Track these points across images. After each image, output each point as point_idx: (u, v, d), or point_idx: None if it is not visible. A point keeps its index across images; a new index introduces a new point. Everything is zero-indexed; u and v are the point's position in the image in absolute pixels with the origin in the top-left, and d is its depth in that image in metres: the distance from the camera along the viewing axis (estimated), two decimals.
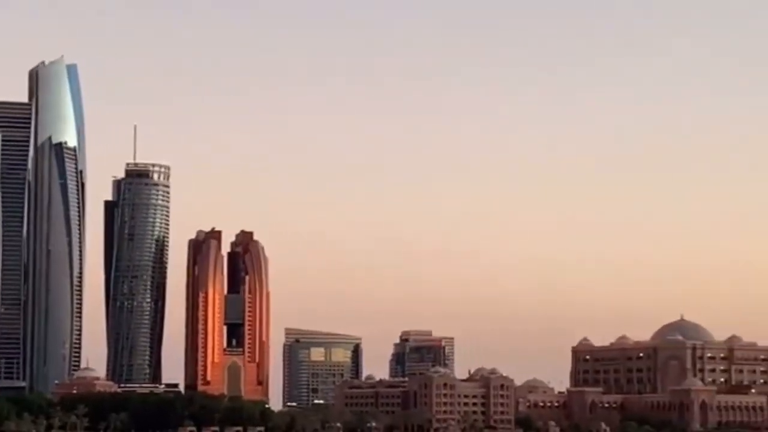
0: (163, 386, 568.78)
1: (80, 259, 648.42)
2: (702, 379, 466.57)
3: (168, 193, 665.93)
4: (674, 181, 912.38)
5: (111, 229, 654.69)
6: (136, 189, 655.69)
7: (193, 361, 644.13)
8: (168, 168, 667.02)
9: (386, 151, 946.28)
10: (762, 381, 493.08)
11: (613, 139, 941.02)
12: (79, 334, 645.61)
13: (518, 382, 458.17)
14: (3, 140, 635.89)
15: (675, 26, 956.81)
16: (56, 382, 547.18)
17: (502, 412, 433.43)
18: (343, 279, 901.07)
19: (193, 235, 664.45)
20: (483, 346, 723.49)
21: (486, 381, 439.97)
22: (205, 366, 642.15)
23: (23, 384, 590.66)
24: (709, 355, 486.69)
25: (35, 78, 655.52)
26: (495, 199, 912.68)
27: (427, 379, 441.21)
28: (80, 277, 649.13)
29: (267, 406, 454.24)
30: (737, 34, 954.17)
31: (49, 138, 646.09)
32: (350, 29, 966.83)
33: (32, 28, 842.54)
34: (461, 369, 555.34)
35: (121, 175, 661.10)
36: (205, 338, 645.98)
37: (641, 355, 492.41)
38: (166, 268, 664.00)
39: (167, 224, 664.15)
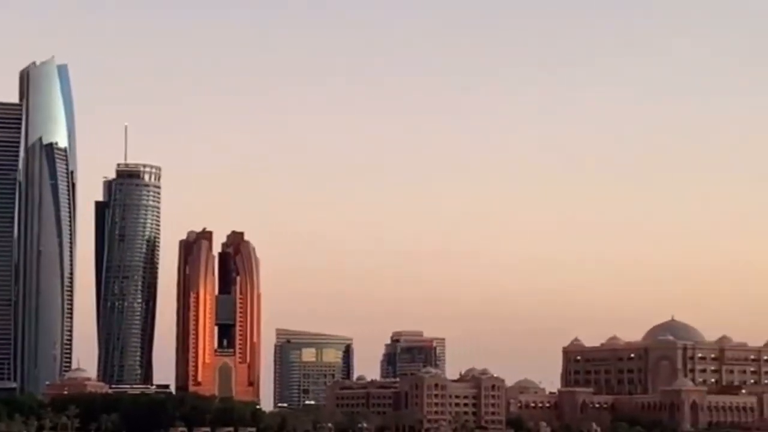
0: (154, 387, 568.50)
1: (71, 260, 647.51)
2: (693, 380, 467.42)
3: (159, 193, 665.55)
4: (674, 181, 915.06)
5: (102, 229, 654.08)
6: (127, 189, 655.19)
7: (184, 362, 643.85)
8: (159, 168, 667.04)
9: (386, 151, 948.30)
10: (752, 381, 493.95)
11: (613, 139, 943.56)
12: (70, 335, 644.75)
13: (509, 382, 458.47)
14: None
15: (675, 26, 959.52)
16: (47, 382, 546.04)
17: (493, 413, 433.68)
18: (334, 279, 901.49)
19: (184, 236, 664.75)
20: (474, 347, 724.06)
21: (477, 381, 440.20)
22: (196, 367, 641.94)
23: (14, 385, 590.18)
24: (699, 355, 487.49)
25: (26, 78, 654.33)
26: (495, 199, 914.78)
27: (418, 380, 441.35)
28: (71, 277, 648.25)
29: (258, 406, 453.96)
30: (737, 34, 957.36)
31: (40, 138, 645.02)
32: (350, 29, 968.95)
33: (23, 28, 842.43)
34: (452, 369, 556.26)
35: (112, 175, 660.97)
36: (196, 339, 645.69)
37: (632, 355, 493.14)
38: (157, 268, 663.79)
39: (158, 225, 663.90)
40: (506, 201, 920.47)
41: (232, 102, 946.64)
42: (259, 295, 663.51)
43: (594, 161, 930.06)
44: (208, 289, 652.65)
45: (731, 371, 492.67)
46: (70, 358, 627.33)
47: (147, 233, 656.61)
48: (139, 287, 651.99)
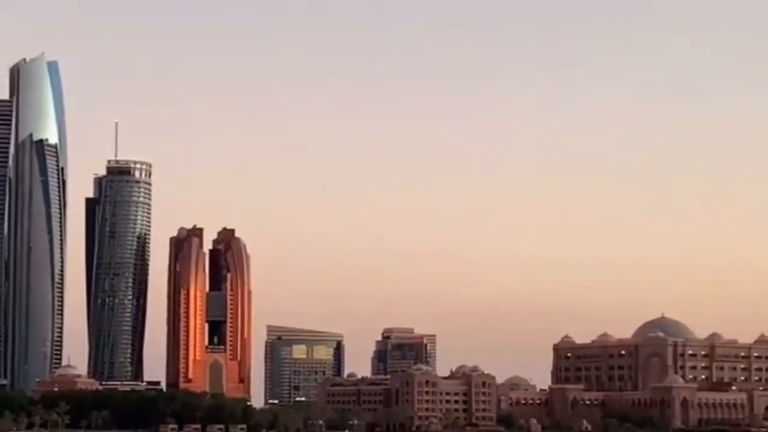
0: (144, 384, 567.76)
1: (61, 257, 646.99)
2: (683, 377, 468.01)
3: (149, 190, 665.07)
4: (674, 181, 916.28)
5: (92, 226, 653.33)
6: (117, 186, 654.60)
7: (174, 359, 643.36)
8: (149, 165, 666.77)
9: (386, 151, 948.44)
10: (743, 378, 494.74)
11: (613, 139, 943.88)
12: (61, 332, 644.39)
13: (500, 379, 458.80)
14: None
15: (675, 26, 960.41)
16: (37, 379, 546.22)
17: (483, 410, 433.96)
18: (325, 277, 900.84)
19: (174, 233, 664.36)
20: (465, 344, 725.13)
21: (468, 378, 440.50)
22: (186, 363, 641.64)
23: (4, 382, 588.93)
24: (690, 352, 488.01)
25: (16, 75, 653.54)
26: (495, 199, 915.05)
27: (409, 377, 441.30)
28: (61, 274, 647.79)
29: (249, 403, 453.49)
30: (737, 34, 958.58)
31: (30, 135, 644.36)
32: (350, 29, 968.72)
33: (13, 25, 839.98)
34: (443, 367, 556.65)
35: (103, 172, 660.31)
36: (187, 336, 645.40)
37: (623, 352, 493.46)
38: (147, 265, 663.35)
39: (149, 222, 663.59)
40: (506, 201, 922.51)
41: (231, 102, 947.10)
42: (249, 292, 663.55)
43: (594, 161, 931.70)
44: (198, 285, 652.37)
45: (721, 368, 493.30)
46: (60, 354, 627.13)
47: (137, 230, 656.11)
48: (130, 284, 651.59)
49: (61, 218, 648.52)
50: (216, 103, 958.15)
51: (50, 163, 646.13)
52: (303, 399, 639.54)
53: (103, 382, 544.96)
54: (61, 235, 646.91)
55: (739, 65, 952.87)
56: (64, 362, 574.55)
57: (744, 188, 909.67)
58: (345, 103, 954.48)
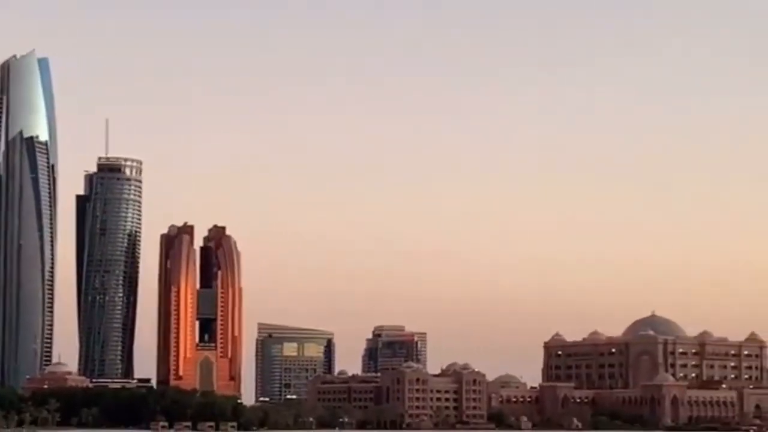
0: (135, 381, 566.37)
1: (51, 254, 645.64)
2: (673, 375, 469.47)
3: (140, 187, 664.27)
4: (674, 181, 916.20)
5: (83, 223, 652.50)
6: (108, 183, 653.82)
7: (165, 356, 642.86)
8: (140, 162, 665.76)
9: (386, 151, 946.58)
10: (733, 376, 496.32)
11: (613, 139, 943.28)
12: (51, 329, 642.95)
13: (490, 377, 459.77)
14: None
15: (675, 26, 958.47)
16: (27, 377, 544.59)
17: (474, 408, 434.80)
18: (316, 275, 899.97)
19: (165, 230, 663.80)
20: (455, 342, 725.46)
21: (458, 376, 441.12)
22: (177, 361, 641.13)
23: None
24: (680, 350, 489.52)
25: (6, 71, 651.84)
26: (495, 199, 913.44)
27: (400, 375, 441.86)
28: (52, 271, 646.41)
29: (239, 401, 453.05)
30: (737, 34, 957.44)
31: (20, 132, 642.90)
32: (350, 29, 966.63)
33: (3, 21, 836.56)
34: (434, 364, 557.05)
35: (93, 169, 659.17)
36: (178, 333, 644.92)
37: (613, 350, 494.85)
38: (138, 262, 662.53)
39: (139, 219, 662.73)
40: (506, 201, 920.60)
41: (231, 102, 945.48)
42: (240, 290, 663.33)
43: (594, 161, 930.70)
44: (189, 283, 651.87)
45: (712, 366, 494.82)
46: (50, 352, 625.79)
47: (128, 227, 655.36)
48: (120, 281, 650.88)
49: (51, 215, 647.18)
50: (215, 102, 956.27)
51: (41, 160, 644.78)
52: (294, 397, 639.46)
53: (94, 380, 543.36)
54: (51, 233, 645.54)
55: (739, 65, 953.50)
56: (54, 359, 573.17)
57: (744, 188, 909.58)
58: (345, 103, 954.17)
